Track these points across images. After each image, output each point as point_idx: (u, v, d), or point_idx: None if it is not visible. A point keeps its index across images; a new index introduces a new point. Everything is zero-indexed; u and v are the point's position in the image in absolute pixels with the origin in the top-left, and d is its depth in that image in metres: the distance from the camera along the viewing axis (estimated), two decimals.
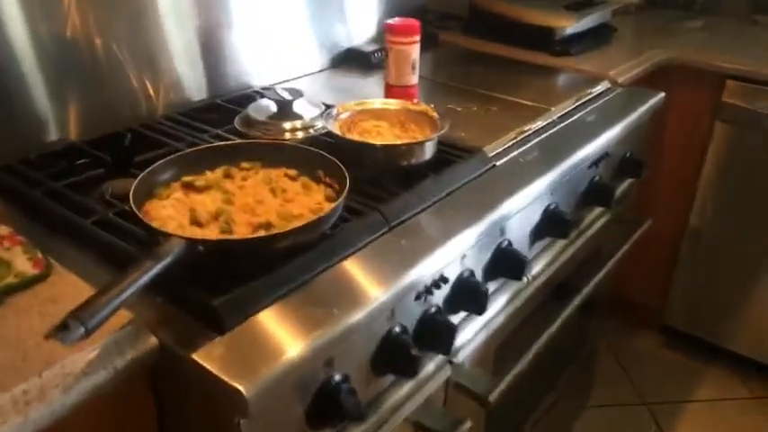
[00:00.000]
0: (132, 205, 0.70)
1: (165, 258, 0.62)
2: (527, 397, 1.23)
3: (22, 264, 0.68)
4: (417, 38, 1.14)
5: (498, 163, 0.99)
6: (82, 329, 0.53)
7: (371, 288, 0.70)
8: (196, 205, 0.75)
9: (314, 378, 0.66)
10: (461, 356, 0.89)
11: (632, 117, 1.22)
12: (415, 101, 1.16)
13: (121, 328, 0.61)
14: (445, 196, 0.89)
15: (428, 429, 0.85)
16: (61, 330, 0.52)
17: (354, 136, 0.95)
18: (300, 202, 0.77)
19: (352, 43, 1.51)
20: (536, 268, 1.03)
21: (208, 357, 0.59)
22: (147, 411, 0.67)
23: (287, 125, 1.01)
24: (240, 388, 0.56)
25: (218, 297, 0.63)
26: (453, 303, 0.83)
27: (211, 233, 0.70)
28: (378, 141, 0.94)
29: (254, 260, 0.68)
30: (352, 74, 1.43)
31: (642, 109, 1.26)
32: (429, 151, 0.93)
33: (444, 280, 0.80)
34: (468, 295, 0.83)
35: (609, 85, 1.36)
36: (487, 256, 0.88)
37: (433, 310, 0.79)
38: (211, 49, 1.21)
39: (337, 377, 0.67)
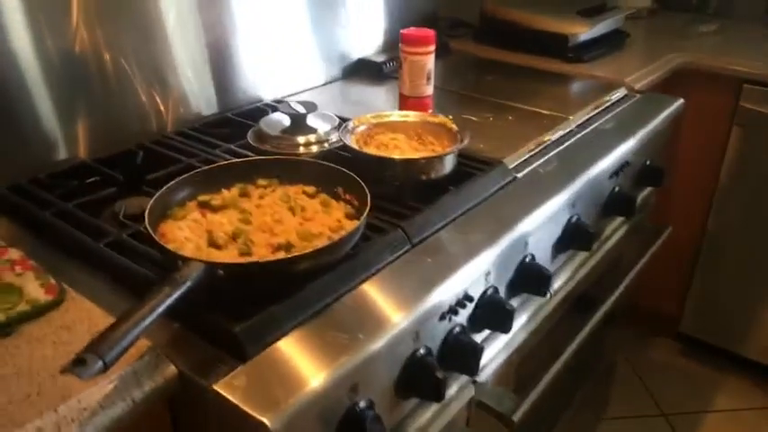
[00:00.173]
0: (148, 227, 0.68)
1: (183, 284, 0.60)
2: (548, 414, 1.20)
3: (35, 290, 0.66)
4: (432, 48, 1.11)
5: (519, 175, 0.96)
6: (100, 363, 0.50)
7: (396, 311, 0.68)
8: (213, 226, 0.72)
9: (338, 405, 0.63)
10: (484, 375, 0.86)
11: (652, 125, 1.19)
12: (430, 111, 1.14)
13: (140, 357, 0.58)
14: (467, 211, 0.86)
15: None
16: (78, 365, 0.50)
17: (371, 150, 0.93)
18: (320, 220, 0.75)
19: (362, 53, 1.49)
20: (558, 282, 1.00)
21: (230, 388, 0.57)
22: None
23: (301, 139, 0.99)
24: (265, 421, 0.53)
25: (238, 323, 0.61)
26: (478, 322, 0.80)
27: (230, 255, 0.68)
28: (396, 155, 0.91)
29: (274, 282, 0.66)
30: (364, 84, 1.41)
31: (662, 116, 1.23)
32: (449, 164, 0.90)
33: (469, 299, 0.77)
34: (494, 314, 0.80)
35: (626, 92, 1.33)
36: (511, 271, 0.86)
37: (458, 329, 0.77)
38: (220, 63, 1.19)
39: (362, 404, 0.65)
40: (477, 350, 0.76)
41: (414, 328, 0.68)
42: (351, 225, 0.74)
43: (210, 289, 0.63)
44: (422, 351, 0.71)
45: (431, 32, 1.12)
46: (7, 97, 0.90)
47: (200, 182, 0.80)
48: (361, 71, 1.45)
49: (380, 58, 1.46)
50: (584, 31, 1.49)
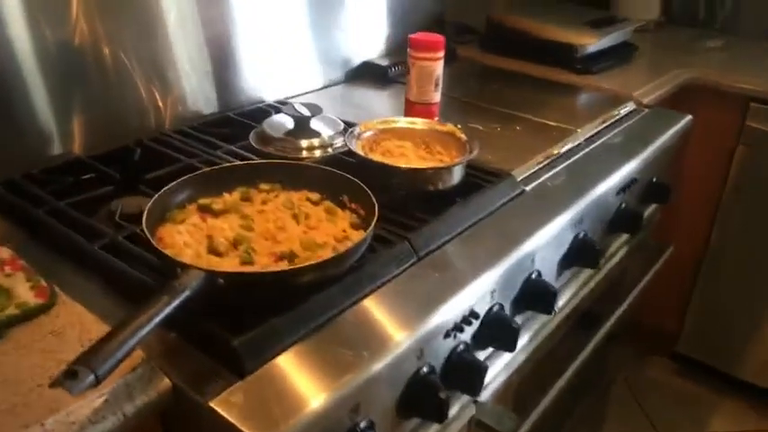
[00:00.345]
0: (146, 231, 0.65)
1: (182, 293, 0.57)
2: None
3: (25, 292, 0.63)
4: (441, 54, 1.09)
5: (527, 188, 0.94)
6: (92, 377, 0.47)
7: (401, 327, 0.65)
8: (214, 231, 0.69)
9: (339, 426, 0.60)
10: (485, 394, 0.84)
11: (661, 141, 1.17)
12: (437, 119, 1.11)
13: (132, 370, 0.55)
14: (474, 224, 0.84)
15: None
16: (69, 378, 0.47)
17: (377, 156, 0.91)
18: (324, 229, 0.72)
19: (366, 57, 1.46)
20: (562, 299, 0.98)
21: (226, 405, 0.54)
22: None
23: (304, 143, 0.96)
24: None
25: (237, 336, 0.58)
26: (482, 340, 0.78)
27: (231, 263, 0.65)
28: (402, 163, 0.89)
29: (276, 293, 0.63)
30: (367, 88, 1.38)
31: (670, 132, 1.21)
32: (457, 175, 0.88)
33: (475, 316, 0.75)
34: (499, 332, 0.78)
35: (634, 106, 1.32)
36: (517, 288, 0.83)
37: (462, 347, 0.74)
38: (222, 61, 1.16)
39: (363, 424, 0.62)
40: (482, 369, 0.73)
41: (418, 346, 0.66)
42: (357, 236, 0.71)
43: (209, 297, 0.60)
44: (425, 369, 0.68)
45: (440, 38, 1.10)
46: (2, 88, 0.87)
47: (201, 184, 0.77)
48: (364, 74, 1.43)
49: (385, 62, 1.44)
50: (593, 43, 1.47)
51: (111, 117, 1.01)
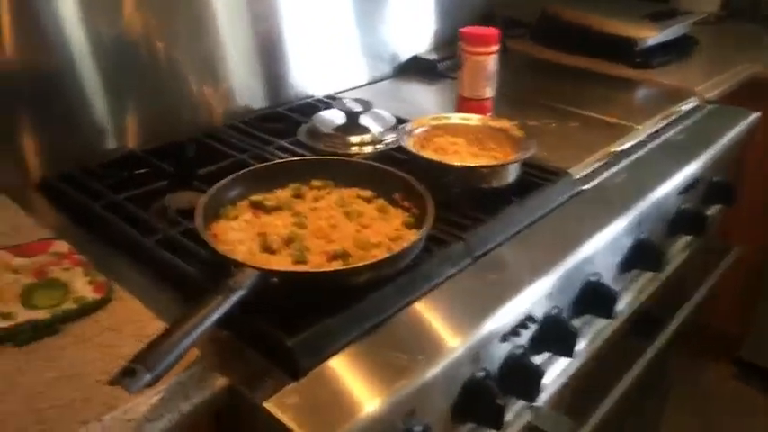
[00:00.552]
0: (200, 228, 0.65)
1: (236, 292, 0.56)
2: None
3: (82, 287, 0.63)
4: (495, 48, 1.06)
5: (585, 187, 0.91)
6: (148, 376, 0.47)
7: (457, 331, 0.63)
8: (267, 229, 0.69)
9: (393, 431, 0.59)
10: (540, 399, 0.81)
11: (726, 139, 1.11)
12: (489, 115, 1.08)
13: (188, 368, 0.55)
14: (530, 225, 0.81)
15: None
16: (126, 376, 0.47)
17: (428, 153, 0.88)
18: (378, 228, 0.71)
19: (415, 51, 1.44)
20: (622, 302, 0.94)
21: (281, 406, 0.53)
22: None
23: (354, 138, 0.95)
24: None
25: (292, 336, 0.57)
26: (539, 344, 0.75)
27: (284, 261, 0.64)
28: (455, 160, 0.87)
29: (329, 293, 0.62)
30: (416, 83, 1.36)
31: (736, 130, 1.15)
32: (513, 174, 0.85)
33: (532, 320, 0.72)
34: (557, 336, 0.75)
35: (697, 102, 1.25)
36: (575, 291, 0.80)
37: (519, 352, 0.72)
38: (271, 56, 1.16)
39: (417, 429, 0.60)
40: (539, 375, 0.71)
41: (474, 351, 0.64)
42: (410, 235, 0.69)
43: (261, 296, 0.59)
44: (481, 374, 0.66)
45: (494, 32, 1.07)
46: (60, 84, 0.89)
47: (253, 180, 0.76)
48: (413, 69, 1.40)
49: (434, 57, 1.41)
50: (654, 36, 1.41)
51: (164, 112, 1.01)
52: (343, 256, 0.65)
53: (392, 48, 1.39)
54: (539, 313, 0.73)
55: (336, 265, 0.64)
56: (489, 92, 1.08)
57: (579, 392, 0.91)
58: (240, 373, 0.57)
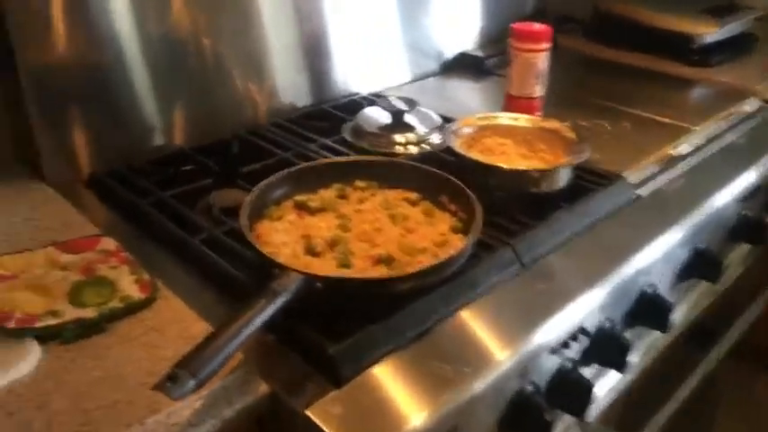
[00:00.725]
0: (245, 228, 0.64)
1: (281, 296, 0.55)
2: None
3: (128, 286, 0.63)
4: (547, 45, 1.02)
5: (641, 192, 0.87)
6: (192, 382, 0.46)
7: (505, 342, 0.61)
8: (311, 231, 0.68)
9: None
10: (590, 414, 0.78)
11: None
12: (539, 114, 1.05)
13: (231, 372, 0.54)
14: (581, 231, 0.78)
15: None
16: (170, 381, 0.46)
17: (475, 154, 0.86)
18: (423, 232, 0.69)
19: (461, 48, 1.41)
20: (677, 314, 0.89)
21: (324, 416, 0.52)
22: None
23: (399, 138, 0.93)
24: None
25: (334, 343, 0.56)
26: (589, 357, 0.72)
27: (328, 264, 0.63)
28: (502, 162, 0.84)
29: (373, 299, 0.60)
30: (462, 80, 1.33)
31: None
32: (564, 178, 0.82)
33: (583, 332, 0.69)
34: (608, 350, 0.72)
35: (759, 103, 1.19)
36: (629, 303, 0.77)
37: (569, 365, 0.69)
38: (316, 54, 1.15)
39: None
40: (589, 389, 0.68)
41: (523, 364, 0.61)
42: (456, 240, 0.67)
43: (305, 300, 0.58)
44: (529, 388, 0.64)
45: (545, 28, 1.04)
46: (110, 80, 0.89)
47: (298, 180, 0.75)
48: (459, 66, 1.37)
49: (481, 53, 1.38)
50: (713, 32, 1.34)
51: (210, 109, 1.02)
52: (387, 261, 0.64)
53: (438, 44, 1.37)
54: (591, 325, 0.70)
55: (381, 270, 0.62)
56: (539, 90, 1.05)
57: (629, 407, 0.87)
58: (282, 378, 0.56)
